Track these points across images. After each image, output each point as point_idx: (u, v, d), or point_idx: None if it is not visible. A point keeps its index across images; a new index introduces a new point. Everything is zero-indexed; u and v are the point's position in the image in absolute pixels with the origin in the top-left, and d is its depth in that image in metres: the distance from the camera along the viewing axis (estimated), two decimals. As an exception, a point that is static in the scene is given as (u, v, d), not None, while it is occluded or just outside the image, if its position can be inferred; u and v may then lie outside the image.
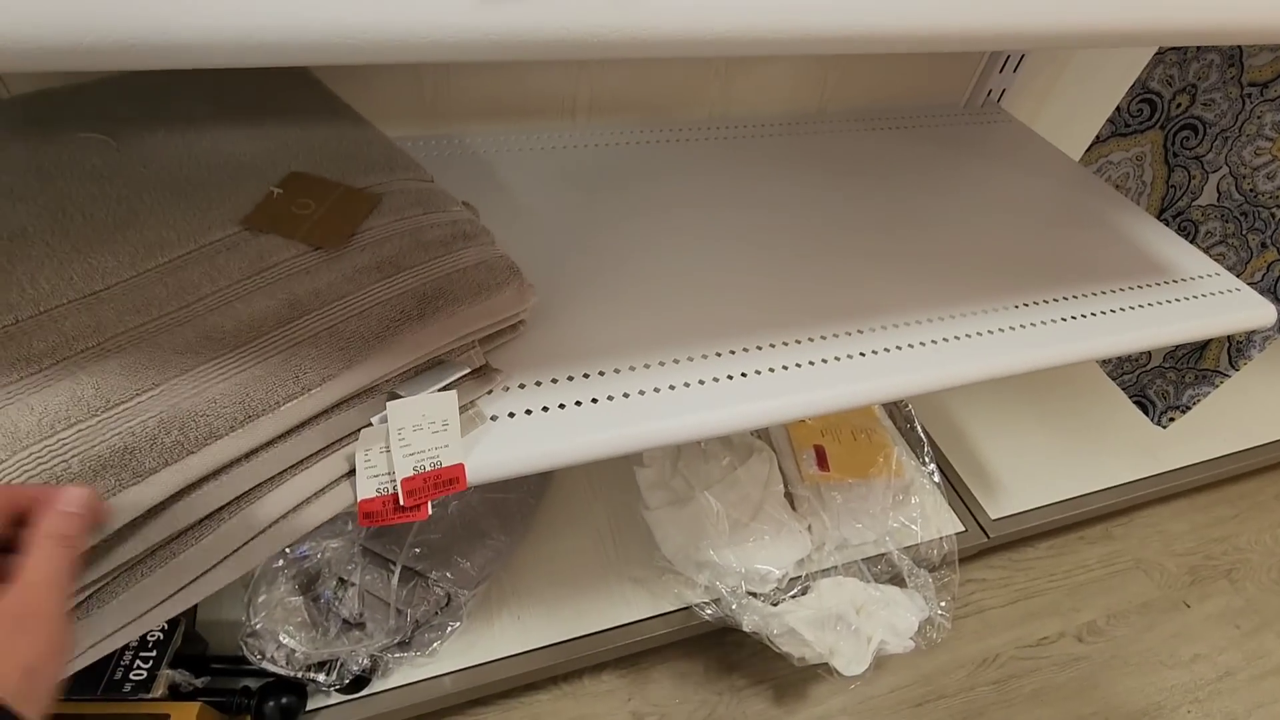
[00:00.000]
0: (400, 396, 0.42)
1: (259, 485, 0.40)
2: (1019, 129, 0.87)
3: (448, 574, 0.77)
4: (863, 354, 0.55)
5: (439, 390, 0.43)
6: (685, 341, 0.53)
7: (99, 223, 0.41)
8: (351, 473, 0.41)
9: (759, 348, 0.54)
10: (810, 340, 0.55)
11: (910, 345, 0.57)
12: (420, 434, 0.40)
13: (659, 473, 0.89)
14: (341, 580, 0.74)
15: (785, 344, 0.54)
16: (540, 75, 0.72)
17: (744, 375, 0.51)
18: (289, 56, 0.22)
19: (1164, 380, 0.87)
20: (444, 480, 0.40)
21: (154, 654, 0.68)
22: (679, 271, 0.59)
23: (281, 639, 0.70)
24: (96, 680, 0.65)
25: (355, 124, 0.53)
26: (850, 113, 0.85)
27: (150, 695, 0.65)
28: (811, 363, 0.53)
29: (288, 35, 0.22)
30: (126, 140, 0.46)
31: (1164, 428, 0.88)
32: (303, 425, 0.40)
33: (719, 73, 0.78)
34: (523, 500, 0.88)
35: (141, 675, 0.67)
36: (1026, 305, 0.62)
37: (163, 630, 0.69)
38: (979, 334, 0.59)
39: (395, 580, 0.75)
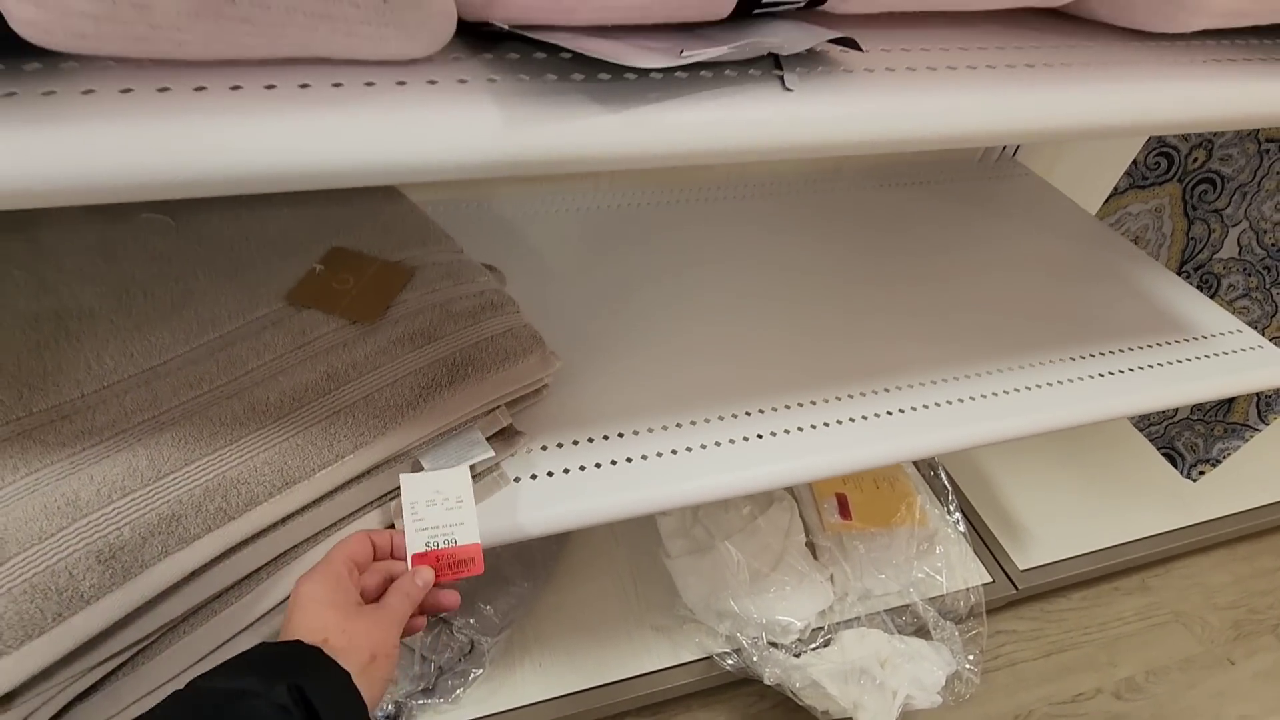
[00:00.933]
0: (422, 468, 0.44)
1: (296, 546, 0.42)
2: (1035, 183, 0.88)
3: (471, 620, 0.78)
4: (879, 415, 0.56)
5: (467, 451, 0.45)
6: (705, 402, 0.55)
7: (158, 301, 0.45)
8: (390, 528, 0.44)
9: (775, 409, 0.55)
10: (830, 400, 0.56)
11: (930, 405, 0.57)
12: (434, 510, 0.42)
13: (680, 521, 0.90)
14: (369, 627, 0.75)
15: (805, 404, 0.56)
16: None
17: (760, 437, 0.53)
18: (350, 180, 0.25)
19: (1192, 433, 0.85)
20: (459, 561, 0.42)
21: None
22: (699, 332, 0.61)
23: (310, 685, 0.71)
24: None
25: (390, 198, 0.56)
26: (867, 170, 0.87)
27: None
28: (827, 424, 0.54)
29: (355, 165, 0.25)
30: (184, 219, 0.50)
31: (1194, 481, 0.87)
32: (336, 490, 0.42)
33: (737, 133, 0.81)
34: (545, 546, 0.89)
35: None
36: (1046, 364, 0.63)
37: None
38: (998, 394, 0.59)
39: (420, 627, 0.76)
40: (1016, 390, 0.60)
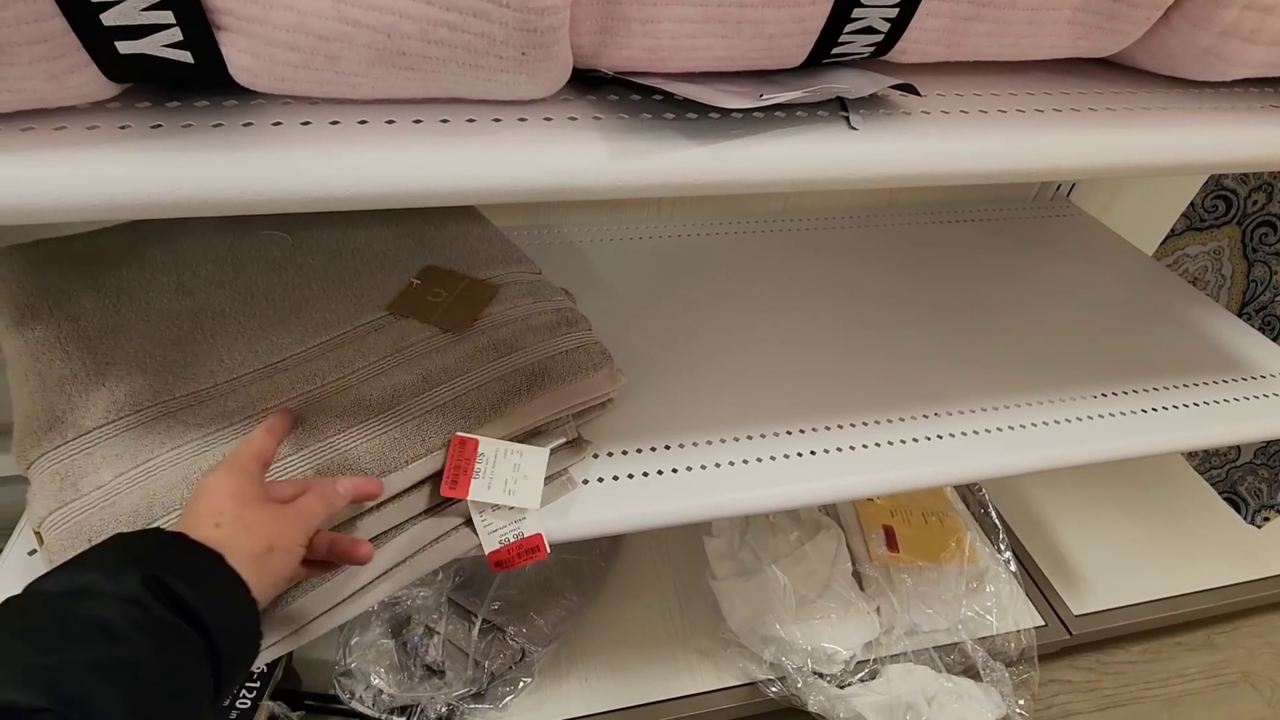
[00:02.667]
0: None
1: (386, 531, 0.46)
2: (1089, 223, 0.90)
3: (524, 629, 0.81)
4: (930, 438, 0.58)
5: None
6: (759, 419, 0.58)
7: (279, 305, 0.51)
8: (468, 522, 0.48)
9: (827, 428, 0.57)
10: (881, 422, 0.58)
11: (982, 431, 0.59)
12: (499, 512, 0.47)
13: (727, 543, 0.92)
14: (428, 628, 0.79)
15: (855, 425, 0.58)
16: (631, 175, 0.81)
17: (813, 454, 0.55)
18: (456, 198, 0.30)
19: (1255, 477, 0.84)
20: (525, 549, 0.46)
21: (257, 686, 0.74)
22: (753, 353, 0.65)
23: (372, 679, 0.75)
24: (211, 705, 0.72)
25: (477, 221, 0.62)
26: (920, 205, 0.90)
27: (253, 723, 0.71)
28: (878, 444, 0.57)
29: (465, 186, 0.29)
30: (299, 235, 0.57)
31: (1259, 527, 0.84)
32: (425, 481, 0.47)
33: (793, 172, 0.85)
34: (594, 563, 0.92)
35: (246, 705, 0.73)
36: (1101, 396, 0.64)
37: (266, 665, 0.76)
38: (1051, 422, 0.60)
39: (475, 632, 0.79)
40: (1069, 420, 0.61)
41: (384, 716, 0.76)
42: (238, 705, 0.73)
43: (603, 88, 0.35)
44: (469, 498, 0.46)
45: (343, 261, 0.55)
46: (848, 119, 0.33)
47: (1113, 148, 0.36)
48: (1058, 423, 0.60)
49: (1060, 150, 0.35)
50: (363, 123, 0.30)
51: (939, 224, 0.87)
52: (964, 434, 0.59)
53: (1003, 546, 0.97)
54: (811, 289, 0.74)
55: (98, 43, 0.25)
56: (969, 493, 1.05)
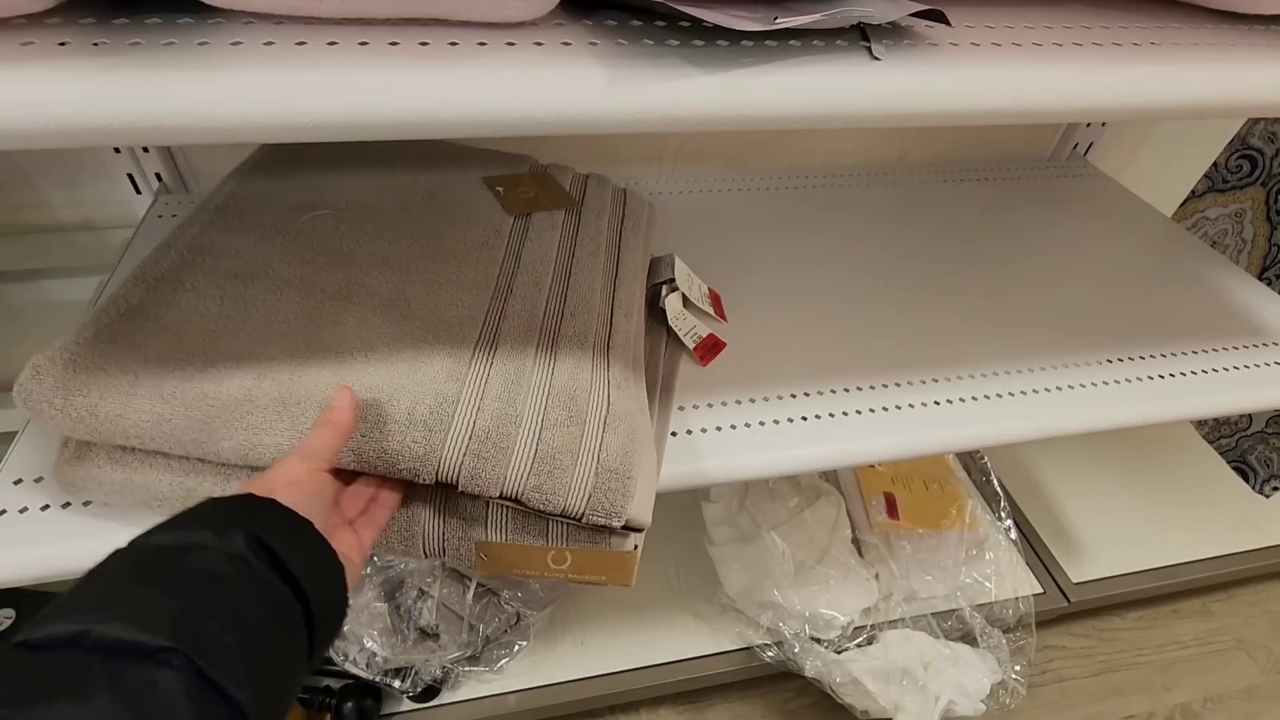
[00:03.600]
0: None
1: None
2: (1107, 183, 0.86)
3: (518, 593, 0.81)
4: (938, 403, 0.56)
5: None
6: (755, 383, 0.55)
7: (439, 241, 0.50)
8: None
9: (829, 391, 0.55)
10: (884, 386, 0.56)
11: (988, 396, 0.57)
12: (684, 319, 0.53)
13: (725, 509, 0.90)
14: (422, 591, 0.78)
15: (854, 389, 0.56)
16: (631, 128, 0.77)
17: (817, 418, 0.53)
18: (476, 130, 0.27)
19: (1266, 446, 0.82)
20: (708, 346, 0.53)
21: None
22: (752, 314, 0.62)
23: (365, 642, 0.75)
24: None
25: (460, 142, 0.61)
26: (930, 163, 0.86)
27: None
28: (885, 408, 0.54)
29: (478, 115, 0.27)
30: (352, 211, 0.53)
31: (1266, 497, 0.83)
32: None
33: (801, 126, 0.81)
34: (592, 528, 0.91)
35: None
36: (1113, 361, 0.61)
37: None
38: (1061, 388, 0.58)
39: (470, 595, 0.78)
40: (1081, 385, 0.59)
41: (378, 679, 0.76)
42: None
43: (600, 12, 0.31)
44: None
45: (417, 205, 0.53)
46: (869, 48, 0.30)
47: (1156, 85, 0.33)
48: (1064, 389, 0.58)
49: (1100, 88, 0.32)
50: (332, 44, 0.27)
51: (950, 183, 0.84)
52: (967, 399, 0.56)
53: (1003, 514, 0.96)
54: (815, 248, 0.71)
55: (24, -60, 0.22)
56: (970, 460, 1.04)
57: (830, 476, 0.94)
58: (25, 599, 0.88)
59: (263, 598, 0.28)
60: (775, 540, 0.84)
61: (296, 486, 0.32)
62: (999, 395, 0.57)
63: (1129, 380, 0.60)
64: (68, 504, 0.43)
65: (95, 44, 0.25)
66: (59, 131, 0.24)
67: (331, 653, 0.76)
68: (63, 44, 0.25)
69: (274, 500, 0.31)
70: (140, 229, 0.66)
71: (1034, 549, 0.98)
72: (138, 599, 0.25)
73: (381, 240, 0.48)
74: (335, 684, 0.77)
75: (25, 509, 0.42)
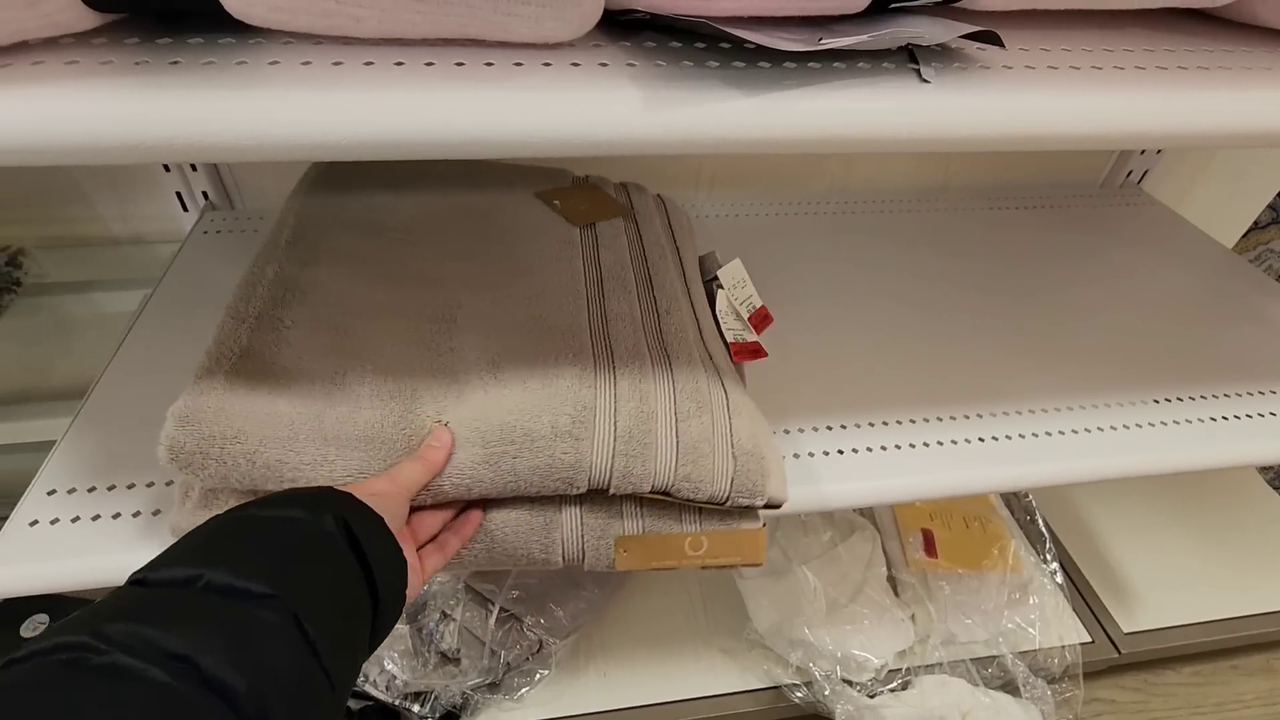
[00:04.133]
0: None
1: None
2: (1163, 212, 0.83)
3: (542, 620, 0.79)
4: (982, 439, 0.53)
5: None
6: (792, 413, 0.54)
7: (514, 254, 0.51)
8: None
9: (870, 424, 0.53)
10: (925, 421, 0.54)
11: (1036, 434, 0.54)
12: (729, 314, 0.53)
13: (755, 541, 0.88)
14: (444, 614, 0.77)
15: (896, 422, 0.54)
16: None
17: (854, 451, 0.51)
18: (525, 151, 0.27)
19: (1340, 495, 0.77)
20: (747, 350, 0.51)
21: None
22: (791, 343, 0.60)
23: (386, 664, 0.74)
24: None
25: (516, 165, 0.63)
26: (975, 190, 0.84)
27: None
28: (926, 444, 0.52)
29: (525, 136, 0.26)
30: (418, 233, 0.53)
31: (1341, 549, 0.77)
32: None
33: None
34: (617, 555, 0.89)
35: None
36: (1171, 401, 0.58)
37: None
38: (1114, 428, 0.55)
39: (493, 620, 0.77)
40: (1136, 426, 0.55)
41: (397, 702, 0.75)
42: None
43: (639, 33, 0.31)
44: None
45: (478, 222, 0.54)
46: (918, 70, 0.29)
47: (1217, 109, 0.31)
48: (1119, 428, 0.55)
49: (1158, 111, 0.30)
50: (369, 64, 0.27)
51: (996, 209, 0.81)
52: (1014, 436, 0.54)
53: (1049, 556, 0.91)
54: (854, 275, 0.69)
55: (72, -38, 0.23)
56: (1014, 498, 0.99)
57: (865, 511, 0.91)
58: (58, 604, 0.90)
59: (345, 572, 0.31)
60: (807, 575, 0.81)
61: (376, 498, 0.35)
62: (1047, 433, 0.54)
63: (1188, 421, 0.56)
64: (98, 516, 0.43)
65: (137, 63, 0.26)
66: (96, 148, 0.24)
67: (352, 673, 0.75)
68: (105, 63, 0.26)
69: (354, 495, 0.34)
70: (186, 243, 0.68)
71: (1082, 595, 0.93)
72: (244, 553, 0.29)
73: (457, 260, 0.49)
74: (355, 705, 0.76)
75: (56, 520, 0.43)
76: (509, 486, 0.37)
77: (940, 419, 0.54)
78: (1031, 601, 0.87)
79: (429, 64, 0.27)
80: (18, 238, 0.69)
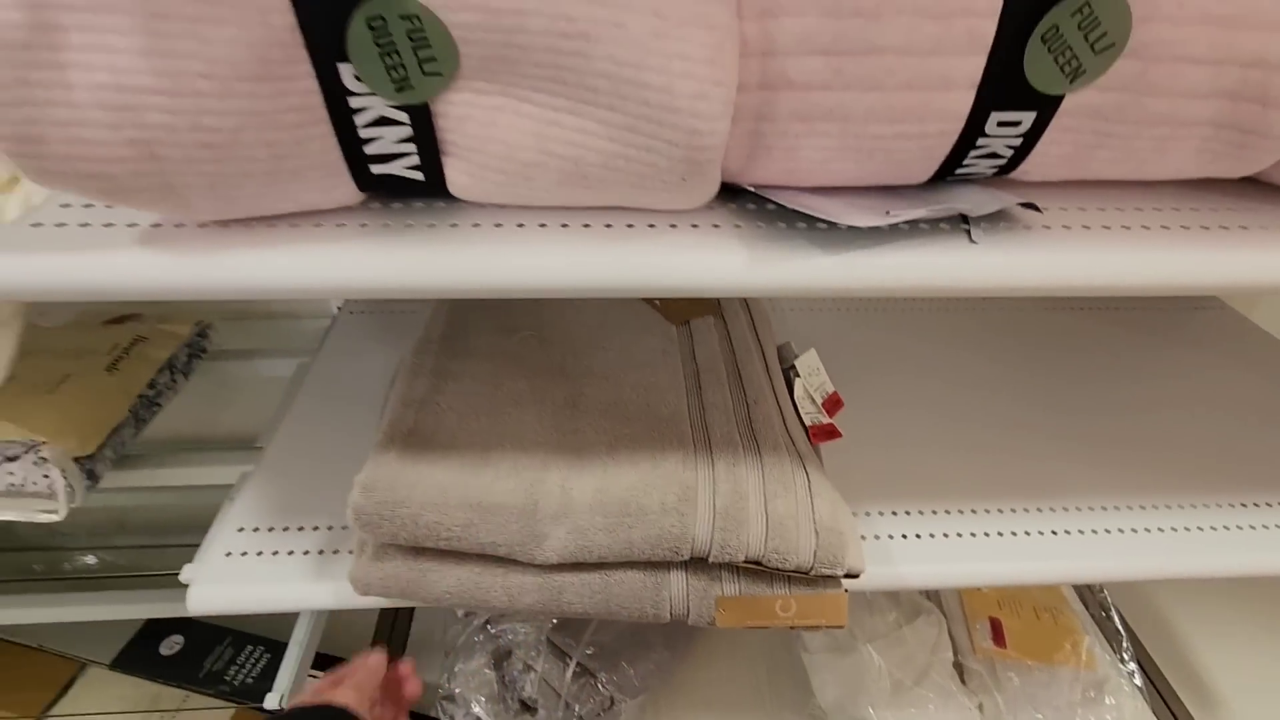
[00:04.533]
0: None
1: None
2: (1231, 316, 0.85)
3: (614, 677, 0.84)
4: (1054, 532, 0.57)
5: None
6: (861, 495, 0.59)
7: (620, 367, 0.59)
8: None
9: (946, 511, 0.58)
10: (999, 511, 0.58)
11: (1109, 530, 0.57)
12: (806, 400, 0.57)
13: (821, 617, 0.91)
14: (526, 665, 0.83)
15: (971, 511, 0.58)
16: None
17: (930, 536, 0.56)
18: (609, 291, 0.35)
19: None
20: (823, 432, 0.56)
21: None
22: (861, 429, 0.66)
23: (473, 707, 0.80)
24: None
25: None
26: (1040, 290, 0.88)
27: (369, 733, 0.78)
28: (1000, 533, 0.56)
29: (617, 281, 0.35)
30: (546, 331, 0.63)
31: None
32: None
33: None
34: (686, 620, 0.93)
35: (360, 714, 0.80)
36: (1248, 506, 0.60)
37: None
38: (1190, 529, 0.58)
39: (569, 674, 0.83)
40: (1213, 528, 0.58)
41: (480, 745, 0.80)
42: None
43: (740, 197, 0.39)
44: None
45: (597, 322, 0.63)
46: (969, 233, 0.36)
47: (1235, 265, 0.36)
48: (1198, 529, 0.58)
49: (1181, 268, 0.36)
50: (542, 225, 0.36)
51: (1057, 310, 0.85)
52: (1087, 531, 0.57)
53: (1126, 655, 0.90)
54: (918, 370, 0.74)
55: (359, 167, 0.33)
56: (1088, 592, 0.98)
57: (932, 594, 0.93)
58: (192, 628, 1.01)
59: None
60: (872, 655, 0.83)
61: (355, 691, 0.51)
62: (1120, 530, 0.57)
63: (1261, 527, 0.58)
64: (277, 552, 0.53)
65: (382, 225, 0.36)
66: (358, 288, 0.34)
67: (440, 713, 0.82)
68: (362, 225, 0.36)
69: (347, 708, 0.47)
70: (335, 322, 0.81)
71: (1162, 697, 0.90)
72: None
73: (582, 355, 0.58)
74: (440, 744, 0.82)
75: (245, 553, 0.53)
76: (624, 553, 0.44)
77: (1011, 509, 0.58)
78: (1108, 702, 0.86)
79: (586, 225, 0.36)
80: (208, 313, 0.84)
